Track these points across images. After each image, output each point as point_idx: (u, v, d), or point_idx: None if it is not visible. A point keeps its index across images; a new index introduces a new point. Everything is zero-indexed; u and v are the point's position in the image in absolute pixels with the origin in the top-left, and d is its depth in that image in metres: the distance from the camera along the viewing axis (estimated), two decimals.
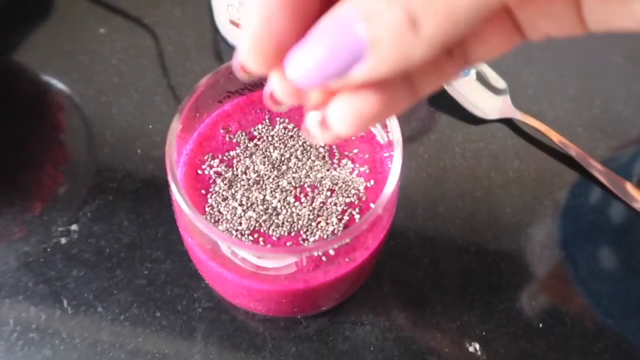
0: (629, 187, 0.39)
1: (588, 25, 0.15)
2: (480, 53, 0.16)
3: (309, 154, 0.30)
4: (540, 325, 0.34)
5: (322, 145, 0.31)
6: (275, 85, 0.16)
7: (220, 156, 0.30)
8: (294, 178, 0.30)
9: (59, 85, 0.43)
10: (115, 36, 0.46)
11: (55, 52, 0.45)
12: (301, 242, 0.28)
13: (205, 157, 0.30)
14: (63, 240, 0.36)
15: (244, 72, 0.16)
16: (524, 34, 0.16)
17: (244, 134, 0.31)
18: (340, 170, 0.30)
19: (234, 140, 0.31)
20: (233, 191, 0.29)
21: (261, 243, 0.28)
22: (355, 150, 0.31)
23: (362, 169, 0.30)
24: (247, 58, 0.15)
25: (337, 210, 0.29)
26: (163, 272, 0.35)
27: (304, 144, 0.31)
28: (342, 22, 0.13)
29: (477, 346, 0.33)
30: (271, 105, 0.17)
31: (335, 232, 0.28)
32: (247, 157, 0.30)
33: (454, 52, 0.16)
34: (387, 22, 0.13)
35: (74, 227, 0.36)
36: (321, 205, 0.29)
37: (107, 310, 0.34)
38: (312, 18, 0.15)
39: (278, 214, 0.28)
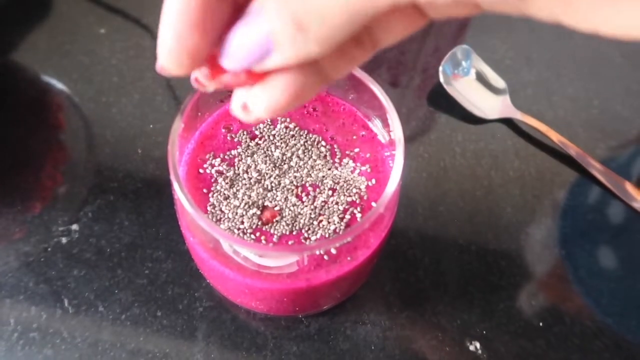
0: (629, 186, 0.39)
1: (483, 6, 0.15)
2: (388, 38, 0.18)
3: (310, 153, 0.30)
4: (541, 324, 0.34)
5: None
6: (197, 74, 0.18)
7: (221, 155, 0.30)
8: (295, 177, 0.30)
9: (58, 85, 0.43)
10: (115, 36, 0.46)
11: (55, 52, 0.45)
12: (303, 240, 0.28)
13: (207, 156, 0.30)
14: (64, 240, 0.36)
15: (166, 73, 0.17)
16: (427, 16, 0.17)
17: (245, 133, 0.31)
18: (342, 169, 0.30)
19: (236, 139, 0.31)
20: (235, 190, 0.29)
21: (263, 242, 0.28)
22: (357, 150, 0.31)
23: (363, 168, 0.30)
24: (166, 65, 0.17)
25: (339, 209, 0.29)
26: (164, 271, 0.35)
27: (306, 143, 0.31)
28: (253, 20, 0.16)
29: (478, 345, 0.33)
30: (198, 87, 0.18)
31: (337, 230, 0.28)
32: (248, 156, 0.30)
33: (361, 39, 0.17)
34: (279, 27, 0.15)
35: (75, 226, 0.36)
36: (323, 204, 0.29)
37: (108, 310, 0.34)
38: (223, 28, 0.17)
39: (280, 213, 0.28)
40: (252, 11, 0.16)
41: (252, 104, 0.18)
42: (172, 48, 0.16)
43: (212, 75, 0.18)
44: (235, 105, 0.18)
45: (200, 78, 0.18)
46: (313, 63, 0.17)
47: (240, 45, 0.16)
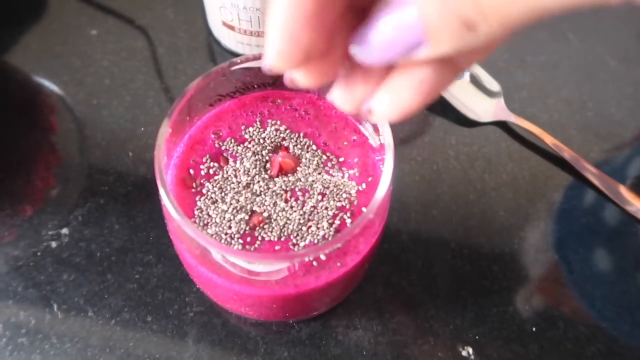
0: (623, 190, 0.39)
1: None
2: None
3: (300, 157, 0.30)
4: (534, 329, 0.34)
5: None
6: (297, 76, 0.17)
7: (211, 159, 0.30)
8: (284, 181, 0.29)
9: (50, 87, 0.43)
10: (106, 38, 0.45)
11: (46, 54, 0.44)
12: (291, 246, 0.28)
13: (196, 160, 0.30)
14: (53, 244, 0.36)
15: (276, 72, 0.16)
16: None
17: (235, 136, 0.31)
18: (332, 173, 0.30)
19: (225, 143, 0.31)
20: (223, 194, 0.29)
21: (251, 248, 0.28)
22: (348, 154, 0.31)
23: (353, 172, 0.30)
24: (277, 65, 0.16)
25: (328, 215, 0.28)
26: (154, 276, 0.35)
27: (296, 148, 0.30)
28: (401, 15, 0.14)
29: (470, 350, 0.33)
30: (291, 85, 0.17)
31: (326, 236, 0.28)
32: (237, 159, 0.30)
33: None
34: (443, 26, 0.14)
35: (65, 230, 0.36)
36: (312, 209, 0.29)
37: (97, 315, 0.33)
38: (337, 23, 0.16)
39: (268, 218, 0.28)
40: (400, 1, 0.14)
41: (378, 105, 0.16)
42: (284, 49, 0.15)
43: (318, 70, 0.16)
44: (346, 104, 0.17)
45: (298, 82, 0.17)
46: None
47: (386, 36, 0.15)
